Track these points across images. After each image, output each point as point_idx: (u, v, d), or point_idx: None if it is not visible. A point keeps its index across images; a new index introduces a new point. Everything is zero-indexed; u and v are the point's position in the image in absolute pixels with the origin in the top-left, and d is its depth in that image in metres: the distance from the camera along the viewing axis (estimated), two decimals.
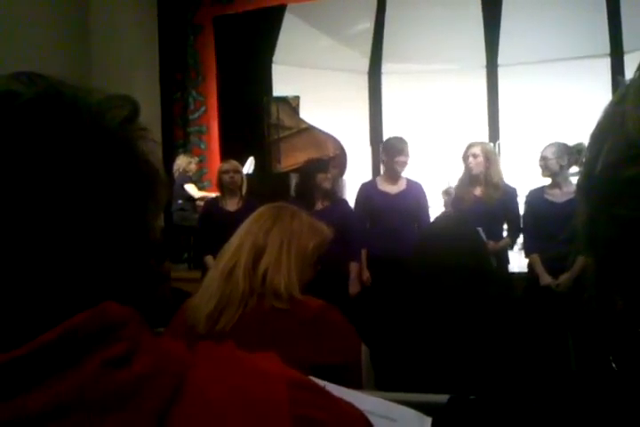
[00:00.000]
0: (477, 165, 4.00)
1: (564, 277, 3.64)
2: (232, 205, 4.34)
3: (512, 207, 4.03)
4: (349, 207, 4.15)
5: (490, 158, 4.03)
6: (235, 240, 1.69)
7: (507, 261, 4.16)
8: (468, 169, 4.07)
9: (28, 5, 5.12)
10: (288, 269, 1.62)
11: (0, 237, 0.44)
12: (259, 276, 1.61)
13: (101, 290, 0.48)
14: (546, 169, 3.78)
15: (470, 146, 4.10)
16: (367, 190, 4.18)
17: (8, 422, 0.39)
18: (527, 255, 3.96)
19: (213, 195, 5.82)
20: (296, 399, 0.48)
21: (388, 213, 3.95)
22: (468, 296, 1.60)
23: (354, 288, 3.93)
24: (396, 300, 1.76)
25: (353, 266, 3.98)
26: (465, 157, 4.08)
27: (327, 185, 3.97)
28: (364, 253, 4.03)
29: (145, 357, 0.46)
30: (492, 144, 4.25)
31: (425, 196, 4.16)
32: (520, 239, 4.18)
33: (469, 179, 4.07)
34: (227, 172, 4.39)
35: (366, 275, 4.00)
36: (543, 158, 3.79)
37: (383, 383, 1.62)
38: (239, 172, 4.50)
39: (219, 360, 0.50)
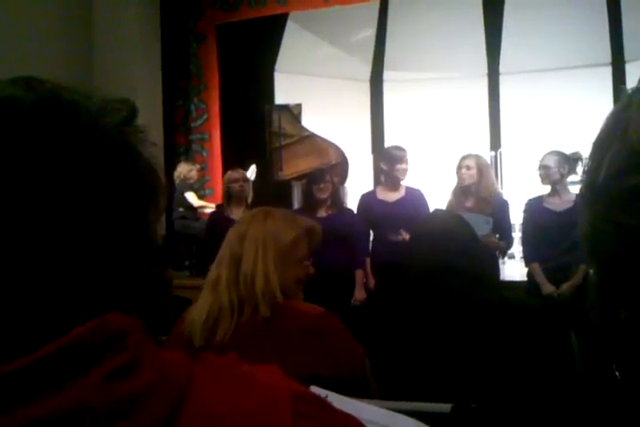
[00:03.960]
0: (470, 176, 4.04)
1: (565, 287, 3.63)
2: (238, 214, 4.32)
3: (503, 218, 4.04)
4: (354, 216, 4.16)
5: (483, 171, 4.06)
6: (219, 252, 1.70)
7: (497, 269, 4.17)
8: (460, 180, 4.11)
9: (32, 13, 5.15)
10: (265, 271, 1.60)
11: (1, 245, 0.43)
12: (241, 284, 1.60)
13: (105, 299, 0.48)
14: (547, 178, 3.78)
15: (464, 158, 4.14)
16: (367, 200, 4.23)
17: None
18: (527, 264, 3.95)
19: (212, 205, 5.82)
20: (298, 412, 0.48)
21: (387, 221, 3.98)
22: (463, 300, 1.58)
23: (360, 296, 3.93)
24: (396, 306, 1.74)
25: (358, 273, 3.98)
26: (458, 168, 4.12)
27: (322, 195, 3.99)
28: (367, 261, 4.05)
29: (149, 368, 0.45)
30: (485, 158, 4.28)
31: (425, 203, 4.17)
32: (514, 248, 4.20)
33: (461, 190, 4.10)
34: (236, 181, 4.39)
35: (372, 282, 4.02)
36: (544, 167, 3.78)
37: (385, 392, 1.61)
38: (248, 180, 4.53)
39: (221, 372, 0.50)
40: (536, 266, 3.80)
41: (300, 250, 1.69)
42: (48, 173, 0.45)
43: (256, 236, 1.65)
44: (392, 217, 3.96)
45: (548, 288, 3.69)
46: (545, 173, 3.78)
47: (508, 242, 4.13)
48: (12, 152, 0.44)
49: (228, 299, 1.59)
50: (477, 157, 4.17)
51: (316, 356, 1.54)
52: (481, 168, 4.07)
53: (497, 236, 4.00)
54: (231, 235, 1.70)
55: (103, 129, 0.49)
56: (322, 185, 4.01)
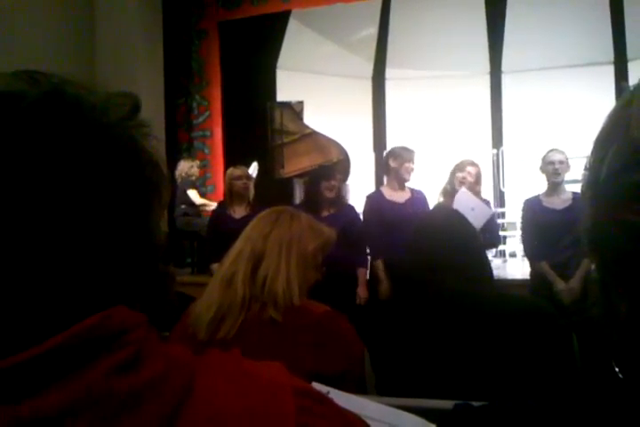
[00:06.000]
0: (468, 182, 4.15)
1: (573, 282, 3.65)
2: (240, 211, 4.32)
3: (489, 219, 4.12)
4: (356, 213, 4.14)
5: (479, 181, 4.25)
6: (235, 247, 1.68)
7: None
8: (457, 183, 4.17)
9: (35, 10, 5.15)
10: (287, 274, 1.60)
11: (7, 240, 0.43)
12: (258, 282, 1.60)
13: (109, 294, 0.48)
14: (563, 172, 3.81)
15: (469, 164, 4.24)
16: (375, 201, 4.15)
17: (13, 424, 0.39)
18: (533, 264, 3.95)
19: (214, 203, 5.82)
20: (301, 408, 0.48)
21: (400, 223, 3.90)
22: (462, 296, 1.58)
23: (363, 293, 3.93)
24: (397, 303, 1.74)
25: (361, 272, 3.98)
26: (459, 171, 4.21)
27: (331, 194, 3.96)
28: (380, 264, 3.98)
29: (153, 362, 0.45)
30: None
31: (428, 204, 4.19)
32: (515, 247, 4.28)
33: (452, 193, 4.15)
34: (239, 178, 4.37)
35: (385, 286, 3.94)
36: (560, 162, 3.80)
37: (387, 389, 1.61)
38: (250, 178, 4.51)
39: (225, 368, 0.50)
40: (544, 264, 3.80)
41: (318, 257, 1.70)
42: (51, 167, 0.45)
43: (281, 237, 1.65)
44: (404, 218, 3.89)
45: (559, 285, 3.70)
46: (562, 168, 3.80)
47: (496, 241, 4.36)
48: (16, 147, 0.44)
49: (242, 295, 1.58)
50: (478, 166, 4.30)
51: (320, 353, 1.54)
52: (479, 177, 4.23)
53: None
54: (252, 232, 1.69)
55: (107, 124, 0.49)
56: (332, 182, 3.98)
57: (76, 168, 0.46)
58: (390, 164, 4.16)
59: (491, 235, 4.12)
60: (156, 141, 0.53)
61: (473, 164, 4.25)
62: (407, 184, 4.19)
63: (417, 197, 4.13)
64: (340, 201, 4.10)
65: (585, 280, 3.61)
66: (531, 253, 3.98)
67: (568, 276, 3.67)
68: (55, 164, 0.45)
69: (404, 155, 4.11)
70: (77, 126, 0.47)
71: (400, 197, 4.12)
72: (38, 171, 0.44)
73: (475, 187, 4.17)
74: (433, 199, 4.33)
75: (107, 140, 0.48)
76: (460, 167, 4.21)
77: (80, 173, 0.46)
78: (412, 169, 4.11)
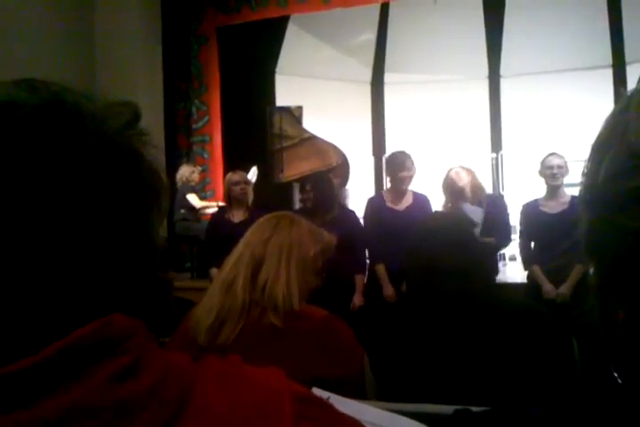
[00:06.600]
0: (463, 181, 4.17)
1: (563, 287, 3.66)
2: (238, 216, 4.33)
3: (499, 216, 4.10)
4: (355, 218, 4.12)
5: (476, 183, 4.26)
6: (235, 252, 1.68)
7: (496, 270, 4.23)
8: (454, 182, 4.18)
9: (33, 16, 5.16)
10: (287, 279, 1.60)
11: (6, 247, 0.43)
12: (258, 287, 1.60)
13: (108, 300, 0.48)
14: (561, 177, 3.82)
15: (461, 170, 4.25)
16: (375, 207, 4.14)
17: None
18: (527, 267, 3.97)
19: (214, 204, 5.83)
20: (299, 414, 0.48)
21: (399, 230, 3.88)
22: (463, 300, 1.58)
23: (358, 301, 3.91)
24: (397, 307, 1.74)
25: (358, 278, 3.96)
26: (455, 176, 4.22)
27: (309, 204, 3.98)
28: (382, 268, 3.98)
29: (151, 369, 0.45)
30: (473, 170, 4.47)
31: (432, 208, 4.16)
32: (515, 250, 4.27)
33: (454, 194, 4.17)
34: (237, 183, 4.38)
35: (391, 290, 3.93)
36: (559, 167, 3.82)
37: (388, 393, 1.61)
38: (249, 183, 4.53)
39: (224, 374, 0.50)
40: (536, 268, 3.82)
41: (318, 262, 1.70)
42: (51, 176, 0.45)
43: (281, 242, 1.65)
44: (403, 225, 3.86)
45: (548, 288, 3.71)
46: (560, 173, 3.83)
47: (504, 241, 4.19)
48: (16, 155, 0.44)
49: (242, 300, 1.58)
50: (474, 174, 4.31)
51: (319, 358, 1.54)
52: (474, 181, 4.25)
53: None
54: (252, 237, 1.69)
55: (107, 132, 0.49)
56: (304, 196, 4.01)
57: (75, 176, 0.46)
58: (387, 172, 4.17)
59: (503, 233, 4.09)
60: (156, 150, 0.53)
61: (468, 170, 4.27)
62: (412, 187, 4.18)
63: (419, 203, 4.10)
64: (329, 209, 4.04)
65: (577, 286, 3.62)
66: (525, 256, 4.00)
67: (563, 281, 3.68)
68: (55, 172, 0.45)
69: (396, 164, 4.07)
70: (77, 134, 0.47)
71: (400, 204, 4.09)
72: (38, 179, 0.44)
73: (474, 184, 4.17)
74: (435, 202, 4.32)
75: (106, 149, 0.48)
76: (453, 174, 4.24)
77: (80, 181, 0.46)
78: (408, 177, 4.07)
